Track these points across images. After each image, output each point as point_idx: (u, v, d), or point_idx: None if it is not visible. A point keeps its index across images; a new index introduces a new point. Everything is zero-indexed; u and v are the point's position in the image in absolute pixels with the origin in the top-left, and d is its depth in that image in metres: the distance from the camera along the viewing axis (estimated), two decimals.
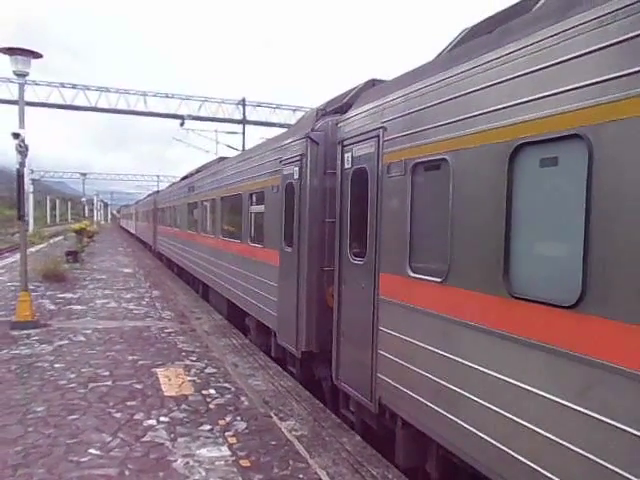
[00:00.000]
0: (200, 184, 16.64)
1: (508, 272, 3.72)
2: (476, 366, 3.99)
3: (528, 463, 3.46)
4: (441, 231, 4.49)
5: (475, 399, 3.98)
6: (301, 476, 4.85)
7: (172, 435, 5.64)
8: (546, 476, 3.32)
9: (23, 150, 10.47)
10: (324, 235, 7.27)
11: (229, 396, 6.97)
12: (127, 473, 4.79)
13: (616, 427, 2.95)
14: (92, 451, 5.21)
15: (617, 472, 2.89)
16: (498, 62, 3.89)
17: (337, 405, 6.88)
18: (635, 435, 2.83)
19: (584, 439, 3.13)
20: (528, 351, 3.50)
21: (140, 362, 8.41)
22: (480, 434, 3.92)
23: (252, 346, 9.83)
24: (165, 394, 6.93)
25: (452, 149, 4.35)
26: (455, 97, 4.35)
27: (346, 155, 6.38)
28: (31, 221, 50.79)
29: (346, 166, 6.40)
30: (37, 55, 10.55)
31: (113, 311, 12.76)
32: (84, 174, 73.05)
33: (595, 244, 3.08)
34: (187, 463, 5.00)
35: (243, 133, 33.97)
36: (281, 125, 32.36)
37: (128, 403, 6.57)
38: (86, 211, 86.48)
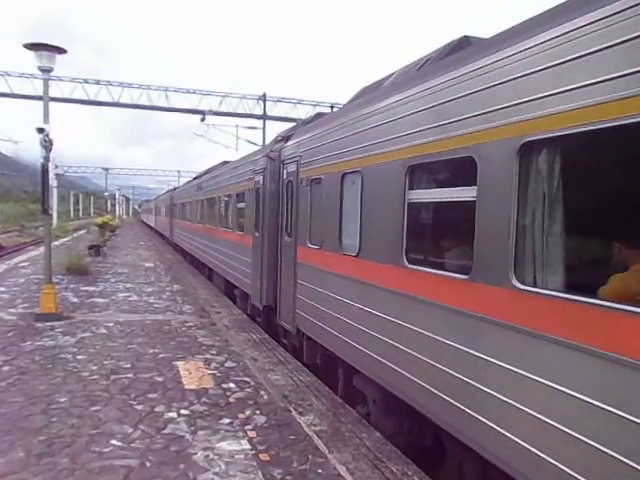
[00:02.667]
0: (206, 184, 19.98)
1: (341, 241, 6.92)
2: (334, 295, 7.06)
3: (360, 347, 6.17)
4: (320, 219, 7.75)
5: (336, 315, 6.97)
6: (320, 471, 4.84)
7: (192, 428, 5.68)
8: (351, 344, 6.42)
9: (48, 145, 10.60)
10: (278, 224, 9.96)
11: (249, 390, 7.00)
12: (148, 465, 4.84)
13: (409, 327, 5.14)
14: (114, 442, 5.27)
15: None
16: (341, 126, 7.07)
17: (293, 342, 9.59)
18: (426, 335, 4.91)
19: (392, 333, 5.47)
20: (347, 282, 6.68)
21: (161, 355, 8.50)
22: (340, 336, 6.80)
23: (271, 341, 9.87)
24: (185, 387, 6.99)
25: (323, 173, 7.62)
26: (323, 144, 7.73)
27: (284, 170, 9.67)
28: (55, 215, 51.57)
29: (284, 178, 9.67)
30: (62, 51, 10.65)
31: (134, 304, 12.92)
32: (107, 169, 73.91)
33: (362, 225, 6.24)
34: (207, 456, 5.03)
35: (263, 128, 34.03)
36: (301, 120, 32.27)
37: (149, 395, 6.64)
38: (108, 206, 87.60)
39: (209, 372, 7.68)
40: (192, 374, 7.54)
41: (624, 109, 2.96)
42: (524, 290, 3.69)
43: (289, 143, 9.69)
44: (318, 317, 7.61)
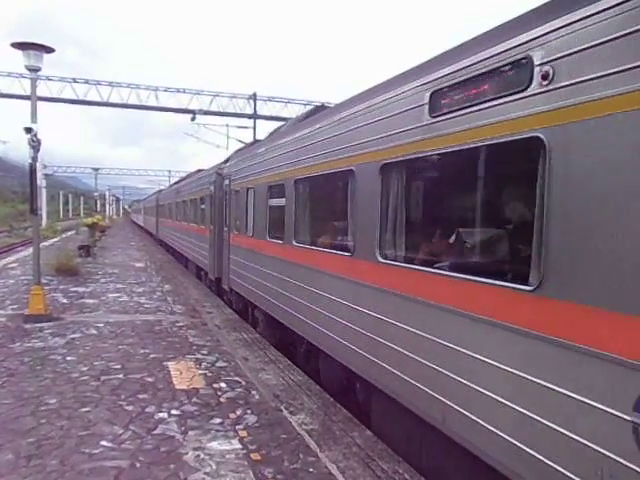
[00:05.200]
0: (182, 189, 24.91)
1: (247, 228, 11.31)
2: (244, 261, 11.46)
3: (254, 290, 10.67)
4: (239, 214, 12.15)
5: (245, 273, 11.30)
6: (311, 470, 4.85)
7: (183, 428, 5.66)
8: (263, 300, 10.29)
9: (35, 145, 10.51)
10: (224, 219, 14.26)
11: (240, 390, 6.99)
12: (138, 465, 4.82)
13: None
14: (104, 443, 5.25)
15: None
16: (247, 158, 11.99)
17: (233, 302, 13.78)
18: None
19: (264, 278, 9.88)
20: (248, 252, 11.16)
21: (152, 355, 8.46)
22: (248, 286, 11.13)
23: (263, 340, 9.86)
24: (176, 387, 6.97)
25: (240, 187, 12.08)
26: (240, 168, 12.41)
27: (224, 183, 14.39)
28: (44, 215, 51.15)
29: (223, 188, 14.48)
30: (49, 50, 10.56)
31: (125, 305, 12.86)
32: (96, 169, 73.33)
33: (254, 218, 10.76)
34: (198, 456, 5.02)
35: (254, 128, 33.98)
36: None
37: (140, 396, 6.61)
38: (98, 206, 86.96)
39: (200, 372, 7.66)
40: (183, 374, 7.52)
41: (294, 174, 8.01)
42: (296, 246, 7.97)
43: (227, 164, 14.51)
44: (239, 277, 12.01)
